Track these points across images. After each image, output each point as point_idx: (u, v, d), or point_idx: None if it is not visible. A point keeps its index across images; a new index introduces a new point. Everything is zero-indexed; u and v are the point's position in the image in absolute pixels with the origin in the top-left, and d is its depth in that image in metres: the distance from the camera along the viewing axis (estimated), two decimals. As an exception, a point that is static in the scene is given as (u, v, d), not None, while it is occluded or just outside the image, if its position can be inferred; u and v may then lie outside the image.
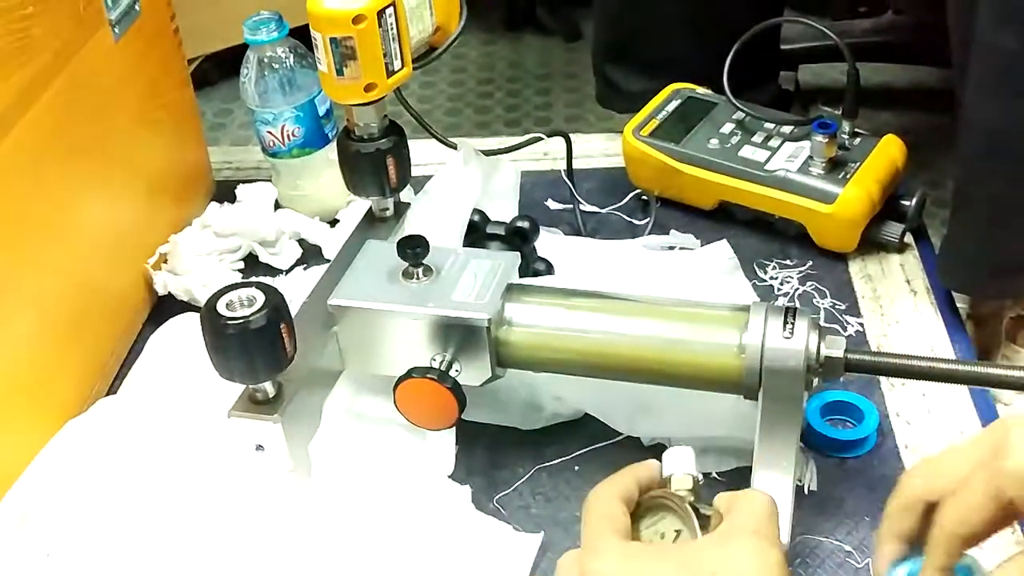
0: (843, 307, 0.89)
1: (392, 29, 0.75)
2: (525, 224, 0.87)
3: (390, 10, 0.75)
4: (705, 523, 0.59)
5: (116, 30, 0.89)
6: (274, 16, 0.96)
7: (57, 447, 0.76)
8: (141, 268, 0.93)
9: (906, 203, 0.95)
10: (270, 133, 0.98)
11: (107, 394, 0.85)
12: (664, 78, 1.08)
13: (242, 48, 0.97)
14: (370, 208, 0.87)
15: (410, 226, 0.85)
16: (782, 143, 0.97)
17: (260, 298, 0.66)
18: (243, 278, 0.96)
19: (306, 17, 0.75)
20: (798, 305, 0.88)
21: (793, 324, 0.67)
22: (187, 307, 0.91)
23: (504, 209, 0.94)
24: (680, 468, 0.62)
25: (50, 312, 0.79)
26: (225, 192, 1.04)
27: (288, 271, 0.97)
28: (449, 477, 0.75)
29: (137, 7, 0.92)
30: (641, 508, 0.60)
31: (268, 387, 0.69)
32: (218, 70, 1.96)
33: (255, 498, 0.71)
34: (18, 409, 0.76)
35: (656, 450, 0.77)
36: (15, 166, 0.75)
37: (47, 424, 0.78)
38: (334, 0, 0.74)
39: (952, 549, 0.53)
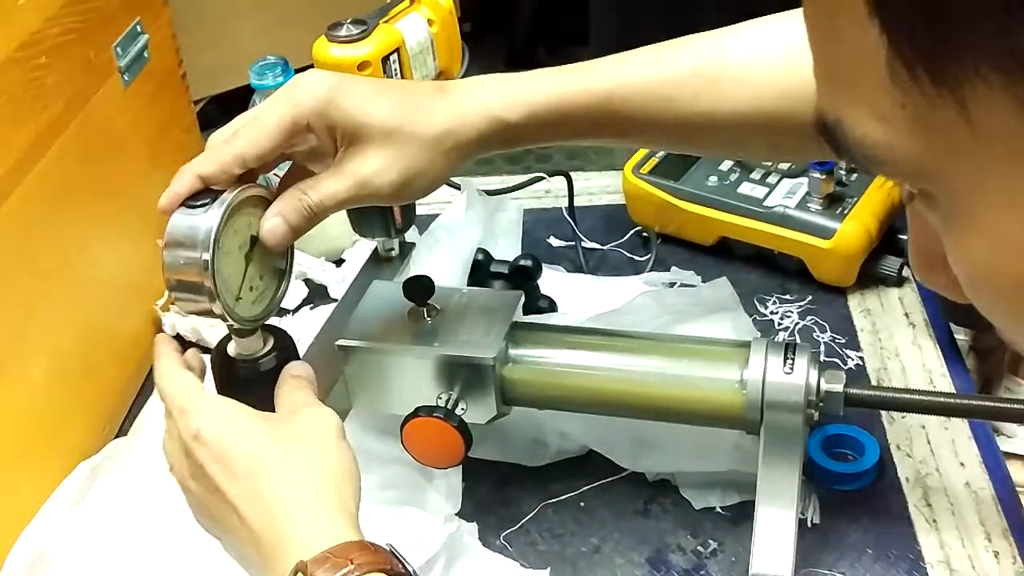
0: (843, 341, 0.90)
1: (396, 75, 0.77)
2: (528, 263, 0.88)
3: (394, 56, 0.77)
4: None
5: (125, 77, 0.91)
6: (279, 61, 0.97)
7: (71, 487, 0.77)
8: (150, 310, 0.94)
9: (903, 237, 0.96)
10: (276, 175, 1.00)
11: (117, 434, 0.86)
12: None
13: (245, 89, 0.98)
14: (375, 248, 0.89)
15: (415, 266, 0.87)
16: (780, 179, 0.99)
17: (269, 340, 0.67)
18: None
19: (311, 60, 0.77)
20: (798, 340, 0.90)
21: (793, 360, 0.69)
22: (195, 348, 0.92)
23: (507, 247, 0.95)
24: None
25: (62, 356, 0.81)
26: (232, 233, 1.05)
27: (295, 311, 0.98)
28: (456, 514, 0.76)
29: (146, 54, 0.94)
30: None
31: (277, 427, 0.70)
32: (221, 111, 1.98)
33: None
34: (32, 452, 0.77)
35: (660, 486, 0.79)
36: (28, 214, 0.76)
37: (60, 466, 0.79)
38: (339, 47, 0.76)
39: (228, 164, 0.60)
